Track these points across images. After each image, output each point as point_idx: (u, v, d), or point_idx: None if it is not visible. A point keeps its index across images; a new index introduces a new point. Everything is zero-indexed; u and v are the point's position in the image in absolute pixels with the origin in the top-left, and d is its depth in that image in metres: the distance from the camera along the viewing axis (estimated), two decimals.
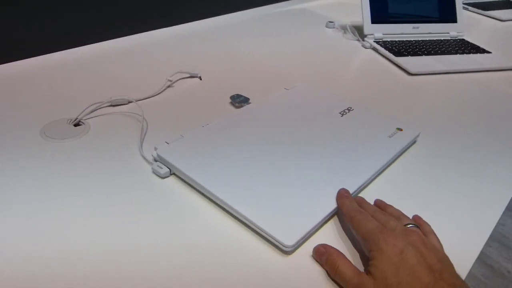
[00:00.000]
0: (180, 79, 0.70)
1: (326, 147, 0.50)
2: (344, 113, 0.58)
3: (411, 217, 0.42)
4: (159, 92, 0.65)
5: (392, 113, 0.64)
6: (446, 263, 0.34)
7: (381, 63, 0.84)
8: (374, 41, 0.91)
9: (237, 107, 0.62)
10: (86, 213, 0.41)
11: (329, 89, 0.70)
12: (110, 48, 0.79)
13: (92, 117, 0.57)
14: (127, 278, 0.35)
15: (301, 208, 0.41)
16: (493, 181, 0.50)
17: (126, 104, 0.60)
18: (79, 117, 0.55)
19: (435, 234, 0.39)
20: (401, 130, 0.55)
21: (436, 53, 0.87)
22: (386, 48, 0.88)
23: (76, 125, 0.55)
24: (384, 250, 0.33)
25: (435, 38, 0.96)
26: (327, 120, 0.56)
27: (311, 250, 0.39)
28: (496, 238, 1.58)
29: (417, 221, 0.41)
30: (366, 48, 0.92)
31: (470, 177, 0.51)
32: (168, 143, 0.49)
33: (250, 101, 0.62)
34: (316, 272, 0.37)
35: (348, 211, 0.40)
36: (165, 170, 0.46)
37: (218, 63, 0.77)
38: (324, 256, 0.36)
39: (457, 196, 0.47)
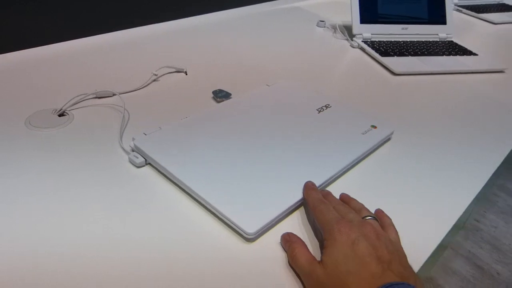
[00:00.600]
0: (166, 73, 0.71)
1: (299, 142, 0.52)
2: (322, 109, 0.60)
3: (374, 211, 0.43)
4: (144, 85, 0.67)
5: (371, 111, 0.66)
6: (397, 255, 0.35)
7: (367, 62, 0.86)
8: (362, 41, 0.93)
9: (218, 102, 0.63)
10: (56, 199, 0.43)
11: (310, 86, 0.72)
12: (98, 43, 0.81)
13: (76, 108, 0.59)
14: (91, 266, 0.37)
15: (267, 198, 0.43)
16: (460, 176, 0.52)
17: (111, 96, 0.62)
18: (64, 108, 0.57)
19: (394, 227, 0.41)
20: (375, 127, 0.57)
21: (422, 54, 0.88)
22: (373, 48, 0.89)
23: (61, 115, 0.57)
24: (337, 239, 0.35)
25: (423, 40, 0.97)
26: (304, 116, 0.58)
27: (275, 238, 0.40)
28: (488, 240, 1.60)
29: (378, 214, 0.42)
30: (354, 47, 0.93)
31: (438, 172, 0.52)
32: (145, 134, 0.51)
33: (231, 96, 0.64)
34: (277, 260, 0.38)
35: (313, 201, 0.41)
36: (140, 159, 0.48)
37: (205, 59, 0.78)
38: (287, 243, 0.38)
39: (422, 190, 0.49)
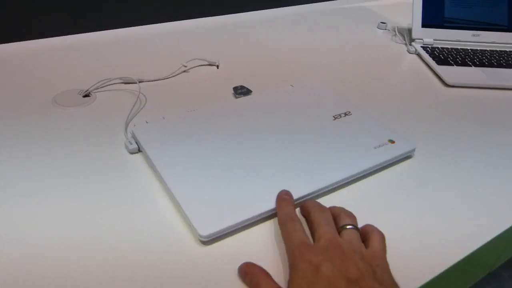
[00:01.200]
0: (197, 66, 0.72)
1: (299, 149, 0.49)
2: (339, 117, 0.55)
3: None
4: (171, 75, 0.68)
5: (402, 124, 0.59)
6: (370, 270, 0.32)
7: (420, 70, 0.77)
8: (422, 46, 0.84)
9: (236, 98, 0.62)
10: (40, 172, 0.45)
11: (346, 91, 0.67)
12: (138, 33, 0.84)
13: (101, 91, 0.62)
14: (54, 252, 0.38)
15: (238, 203, 0.41)
16: (480, 215, 0.44)
17: (136, 83, 0.65)
18: (89, 89, 0.61)
19: (377, 232, 0.37)
20: (393, 142, 0.51)
21: (491, 65, 0.77)
22: (431, 54, 0.80)
23: (86, 96, 0.60)
24: (299, 267, 0.32)
25: (498, 49, 0.84)
26: (315, 122, 0.54)
27: (237, 245, 0.38)
28: None
29: (366, 228, 0.38)
30: (410, 53, 0.85)
31: (453, 207, 0.45)
32: (147, 122, 0.52)
33: (251, 93, 0.63)
34: (227, 268, 0.36)
35: (281, 216, 0.38)
36: (133, 146, 0.49)
37: (243, 55, 0.78)
38: (248, 276, 0.35)
39: (420, 217, 0.43)
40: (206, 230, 0.37)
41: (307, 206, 0.40)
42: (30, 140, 0.50)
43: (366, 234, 0.37)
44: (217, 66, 0.72)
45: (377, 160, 0.48)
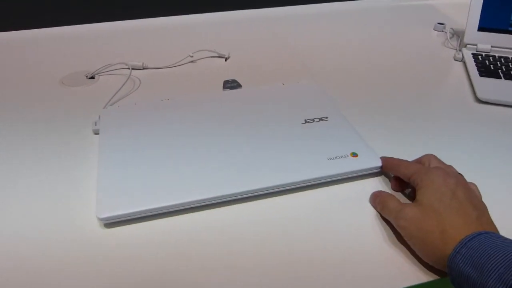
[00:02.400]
0: (206, 57, 0.72)
1: (248, 149, 0.46)
2: (311, 121, 0.51)
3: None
4: (176, 64, 0.69)
5: (400, 141, 0.51)
6: (487, 210, 0.36)
7: (459, 81, 0.66)
8: (473, 53, 0.71)
9: (223, 91, 0.61)
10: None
11: (348, 93, 0.61)
12: (151, 24, 0.86)
13: (105, 74, 0.66)
14: None
15: (153, 192, 0.40)
16: None
17: (141, 69, 0.68)
18: (95, 72, 0.66)
19: (475, 186, 0.40)
20: (355, 156, 0.45)
21: None
22: (479, 63, 0.68)
23: (91, 78, 0.65)
24: (435, 181, 0.36)
25: None
26: (282, 124, 0.50)
27: (136, 230, 0.38)
28: None
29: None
30: (456, 60, 0.73)
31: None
32: (118, 106, 0.54)
33: (240, 88, 0.61)
34: (118, 256, 0.36)
35: (392, 160, 0.44)
36: (96, 127, 0.51)
37: (262, 51, 0.75)
38: (377, 199, 0.40)
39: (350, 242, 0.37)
40: (105, 212, 0.38)
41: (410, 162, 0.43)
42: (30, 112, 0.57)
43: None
44: (226, 59, 0.72)
45: (325, 171, 0.43)
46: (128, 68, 0.67)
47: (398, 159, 0.43)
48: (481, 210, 0.35)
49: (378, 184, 0.45)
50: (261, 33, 0.82)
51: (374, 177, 0.45)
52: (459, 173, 0.39)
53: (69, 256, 0.36)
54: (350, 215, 0.41)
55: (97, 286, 0.34)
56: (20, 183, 0.44)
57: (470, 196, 0.35)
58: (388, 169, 0.44)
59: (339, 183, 0.44)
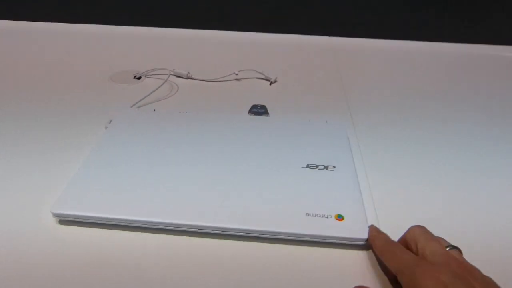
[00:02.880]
0: (252, 77, 0.70)
1: (229, 183, 0.42)
2: (313, 167, 0.45)
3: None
4: (220, 79, 0.69)
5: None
6: (491, 284, 0.30)
7: None
8: None
9: (248, 115, 0.58)
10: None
11: (369, 143, 0.53)
12: (208, 36, 0.87)
13: (151, 77, 0.69)
14: None
15: (119, 201, 0.39)
16: None
17: (185, 78, 0.69)
18: (142, 74, 0.69)
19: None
20: (341, 219, 0.38)
21: None
22: None
23: (138, 78, 0.69)
24: (423, 285, 0.29)
25: None
26: (279, 165, 0.45)
27: (89, 235, 0.38)
28: None
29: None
30: None
31: None
32: (137, 109, 0.55)
33: (266, 116, 0.57)
34: (57, 252, 0.36)
35: (379, 242, 0.36)
36: (108, 125, 0.53)
37: (314, 81, 0.71)
38: None
39: None
40: (59, 208, 0.38)
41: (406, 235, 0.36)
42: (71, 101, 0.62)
43: None
44: (271, 83, 0.69)
45: (293, 228, 0.37)
46: (173, 75, 0.69)
47: (386, 241, 0.36)
48: None
49: (363, 261, 0.37)
50: (315, 62, 0.78)
51: (362, 250, 0.38)
52: (448, 247, 0.33)
53: (17, 241, 0.37)
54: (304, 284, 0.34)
55: (31, 275, 0.34)
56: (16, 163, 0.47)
57: (471, 285, 0.28)
58: (373, 250, 0.37)
59: (312, 246, 0.38)
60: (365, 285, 0.33)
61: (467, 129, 0.57)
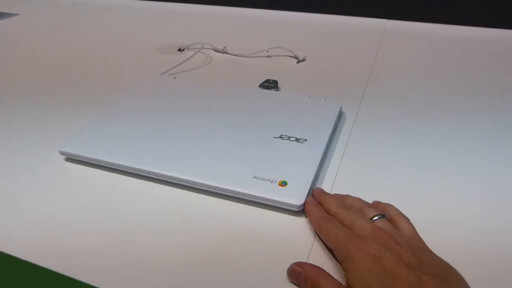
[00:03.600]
0: (282, 55, 0.72)
1: (209, 142, 0.47)
2: (285, 138, 0.47)
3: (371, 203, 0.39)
4: (251, 55, 0.73)
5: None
6: (423, 254, 0.31)
7: None
8: None
9: (258, 88, 0.61)
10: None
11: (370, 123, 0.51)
12: (248, 15, 0.89)
13: (192, 50, 0.76)
14: None
15: (121, 150, 0.46)
16: None
17: (221, 52, 0.74)
18: (184, 47, 0.76)
19: (402, 215, 0.36)
20: (284, 185, 0.40)
21: None
22: None
23: (181, 50, 0.77)
24: (356, 258, 0.31)
25: None
26: (256, 133, 0.48)
27: (83, 174, 0.47)
28: None
29: (380, 207, 0.38)
30: None
31: None
32: (160, 75, 0.63)
33: (275, 90, 0.60)
34: (63, 186, 0.46)
35: (316, 219, 0.37)
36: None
37: (343, 63, 0.70)
38: (301, 275, 0.33)
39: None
40: (66, 148, 0.47)
41: (329, 207, 0.38)
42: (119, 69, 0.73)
43: (391, 220, 0.36)
44: (298, 61, 0.70)
45: (235, 186, 0.40)
46: (211, 48, 0.75)
47: (320, 217, 0.36)
48: (417, 264, 0.29)
49: (298, 226, 0.38)
50: (353, 44, 0.76)
51: (299, 216, 0.39)
52: (374, 217, 0.35)
53: (26, 174, 0.48)
54: (236, 241, 0.37)
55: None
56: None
57: (399, 254, 0.30)
58: (309, 219, 0.38)
59: (252, 205, 0.40)
60: (299, 261, 0.34)
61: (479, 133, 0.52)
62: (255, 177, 0.41)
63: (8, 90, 0.65)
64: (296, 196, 0.39)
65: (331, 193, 0.41)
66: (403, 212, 0.37)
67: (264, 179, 0.41)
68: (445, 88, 0.60)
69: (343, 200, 0.39)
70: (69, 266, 0.35)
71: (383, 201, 0.39)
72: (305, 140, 0.46)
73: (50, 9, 1.07)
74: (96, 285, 0.33)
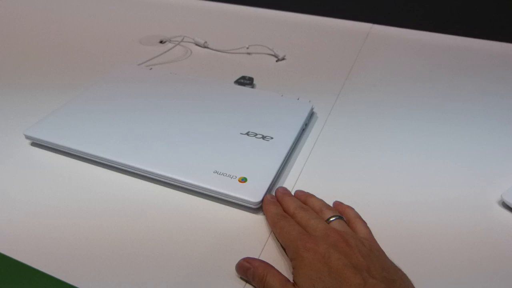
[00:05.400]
0: (262, 53, 0.72)
1: (178, 135, 0.47)
2: (252, 135, 0.47)
3: (332, 205, 0.39)
4: (232, 51, 0.72)
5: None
6: (373, 256, 0.31)
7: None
8: None
9: (234, 83, 0.61)
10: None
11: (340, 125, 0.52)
12: (233, 10, 0.88)
13: (173, 42, 0.76)
14: None
15: (87, 137, 0.46)
16: None
17: (202, 47, 0.74)
18: (166, 39, 0.76)
19: (360, 218, 0.37)
20: (243, 181, 0.40)
21: None
22: None
23: (162, 42, 0.76)
24: (304, 257, 0.31)
25: None
26: (224, 129, 0.48)
27: (47, 159, 0.46)
28: None
29: (339, 208, 0.38)
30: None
31: None
32: (137, 65, 0.62)
33: (250, 87, 0.60)
34: (24, 169, 0.45)
35: (271, 217, 0.37)
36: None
37: (322, 63, 0.70)
38: (250, 271, 0.33)
39: None
40: (31, 132, 0.47)
41: (288, 208, 0.38)
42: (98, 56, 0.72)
43: (349, 222, 0.36)
44: (277, 60, 0.70)
45: (195, 180, 0.40)
46: (192, 42, 0.75)
47: (276, 215, 0.37)
48: (365, 267, 0.30)
49: (254, 223, 0.38)
50: (335, 46, 0.76)
51: (257, 213, 0.39)
52: (330, 218, 0.35)
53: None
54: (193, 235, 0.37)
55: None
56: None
57: (348, 255, 0.30)
58: (265, 216, 0.38)
59: (210, 200, 0.40)
60: (248, 256, 0.34)
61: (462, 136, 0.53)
62: (216, 171, 0.41)
63: None
64: (254, 193, 0.39)
65: (292, 192, 0.41)
66: (362, 215, 0.37)
67: (225, 174, 0.41)
68: (419, 95, 0.60)
69: (305, 200, 0.39)
70: (26, 253, 0.35)
71: (344, 202, 0.39)
72: (271, 138, 0.46)
73: None
74: (48, 272, 0.33)
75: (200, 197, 0.41)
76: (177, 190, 0.42)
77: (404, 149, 0.49)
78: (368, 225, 0.36)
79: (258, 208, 0.39)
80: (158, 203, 0.40)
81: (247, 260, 0.33)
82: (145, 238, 0.36)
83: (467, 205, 0.41)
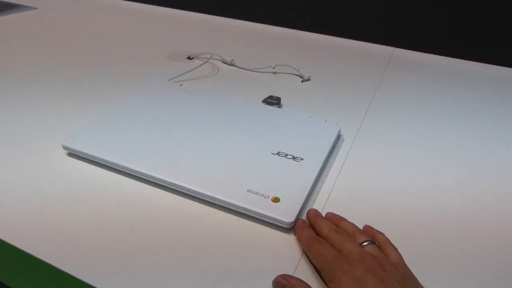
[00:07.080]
0: (288, 73, 0.74)
1: (212, 152, 0.48)
2: (283, 155, 0.48)
3: (362, 228, 0.40)
4: (258, 70, 0.74)
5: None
6: (407, 283, 0.32)
7: None
8: None
9: (262, 102, 0.62)
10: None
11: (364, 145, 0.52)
12: (261, 29, 0.90)
13: (201, 59, 0.78)
14: None
15: (121, 150, 0.47)
16: None
17: (229, 65, 0.76)
18: (193, 56, 0.78)
19: (391, 244, 0.37)
20: (276, 201, 0.41)
21: None
22: None
23: (190, 58, 0.78)
24: (342, 280, 0.32)
25: None
26: (255, 147, 0.49)
27: (83, 170, 0.48)
28: None
29: (370, 233, 0.39)
30: None
31: None
32: (168, 80, 0.64)
33: (278, 106, 0.61)
34: (61, 179, 0.47)
35: (306, 240, 0.38)
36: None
37: (344, 85, 0.71)
38: None
39: None
40: (69, 143, 0.48)
41: (321, 230, 0.39)
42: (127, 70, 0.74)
43: (380, 248, 0.37)
44: (302, 80, 0.72)
45: (229, 198, 0.41)
46: (219, 60, 0.77)
47: (309, 238, 0.37)
48: None
49: (286, 242, 0.39)
50: (360, 68, 0.77)
51: (288, 233, 0.40)
52: (363, 242, 0.36)
53: (29, 168, 0.49)
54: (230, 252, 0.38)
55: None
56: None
57: (384, 281, 0.31)
58: (298, 239, 0.39)
59: (244, 218, 0.41)
60: (285, 273, 0.35)
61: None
62: (249, 190, 0.42)
63: (21, 80, 0.66)
64: (287, 213, 0.40)
65: (323, 213, 0.42)
66: (392, 240, 0.38)
67: (258, 193, 0.42)
68: (445, 119, 0.61)
69: (337, 223, 0.40)
70: (63, 260, 0.36)
71: (373, 226, 0.40)
72: (302, 159, 0.47)
73: (69, 6, 1.10)
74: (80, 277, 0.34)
75: (233, 214, 0.42)
76: (210, 206, 0.43)
77: (432, 170, 0.49)
78: (399, 249, 0.37)
79: (290, 228, 0.40)
80: (190, 219, 0.41)
81: (284, 277, 0.34)
82: (179, 253, 0.37)
83: None
